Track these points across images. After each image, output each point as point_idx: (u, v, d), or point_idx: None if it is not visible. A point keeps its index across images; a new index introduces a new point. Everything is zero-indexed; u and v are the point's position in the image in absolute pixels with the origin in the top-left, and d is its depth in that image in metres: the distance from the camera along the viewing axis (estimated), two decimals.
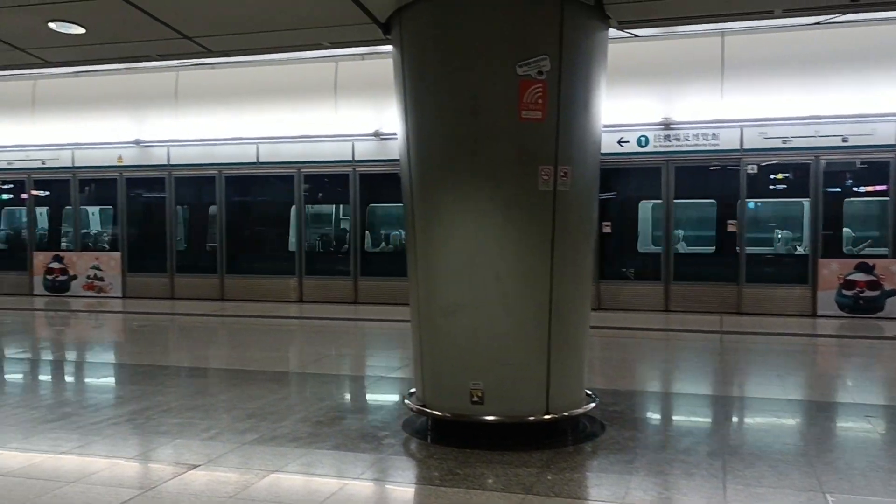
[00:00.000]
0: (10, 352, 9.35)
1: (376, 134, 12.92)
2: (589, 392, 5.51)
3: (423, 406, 5.24)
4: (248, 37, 5.75)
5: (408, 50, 5.05)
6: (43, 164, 14.92)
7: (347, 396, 6.68)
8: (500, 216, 4.83)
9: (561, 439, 5.10)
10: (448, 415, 5.08)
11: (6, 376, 7.79)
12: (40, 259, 15.04)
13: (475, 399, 4.92)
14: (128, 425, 5.52)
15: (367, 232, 13.64)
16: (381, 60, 11.96)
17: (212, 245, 14.19)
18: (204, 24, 5.54)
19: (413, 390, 5.58)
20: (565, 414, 5.09)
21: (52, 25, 5.57)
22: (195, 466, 4.55)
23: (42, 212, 15.45)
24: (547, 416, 5.00)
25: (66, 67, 7.13)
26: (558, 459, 4.67)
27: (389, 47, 5.38)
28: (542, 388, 4.96)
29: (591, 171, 5.15)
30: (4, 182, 15.47)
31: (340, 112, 13.00)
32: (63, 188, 14.99)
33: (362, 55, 12.49)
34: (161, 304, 13.48)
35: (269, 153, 13.62)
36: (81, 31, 5.67)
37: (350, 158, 13.25)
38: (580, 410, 5.24)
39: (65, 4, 5.20)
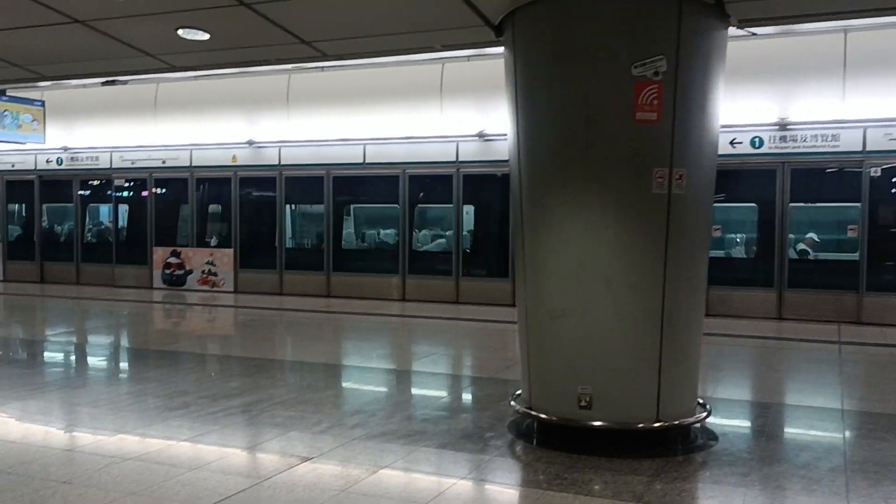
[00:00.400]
0: (130, 342, 9.88)
1: (480, 135, 12.97)
2: (701, 401, 5.36)
3: (530, 409, 5.22)
4: (363, 41, 5.88)
5: (520, 51, 5.04)
6: (163, 163, 15.68)
7: (452, 396, 6.73)
8: (612, 219, 4.77)
9: (671, 448, 4.98)
10: (554, 418, 5.05)
11: (129, 365, 8.23)
12: (159, 254, 15.81)
13: (583, 404, 4.87)
14: (242, 416, 5.73)
15: (468, 232, 13.71)
16: (487, 62, 12.00)
17: (319, 243, 14.58)
18: (321, 29, 5.69)
19: (519, 392, 5.57)
20: (676, 422, 4.97)
21: (180, 32, 5.85)
22: (307, 459, 4.68)
23: (161, 209, 16.22)
24: (657, 424, 4.90)
25: (189, 72, 7.43)
26: (669, 469, 4.57)
27: (495, 49, 5.40)
28: (653, 396, 4.86)
29: (706, 173, 5.01)
30: (127, 180, 16.34)
31: (446, 113, 13.11)
32: (181, 187, 15.71)
33: (468, 57, 12.54)
34: (270, 300, 13.93)
35: (375, 154, 13.87)
36: (206, 37, 5.93)
37: (454, 159, 13.34)
38: (692, 419, 5.11)
39: (193, 12, 5.45)
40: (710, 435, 5.27)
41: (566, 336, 4.93)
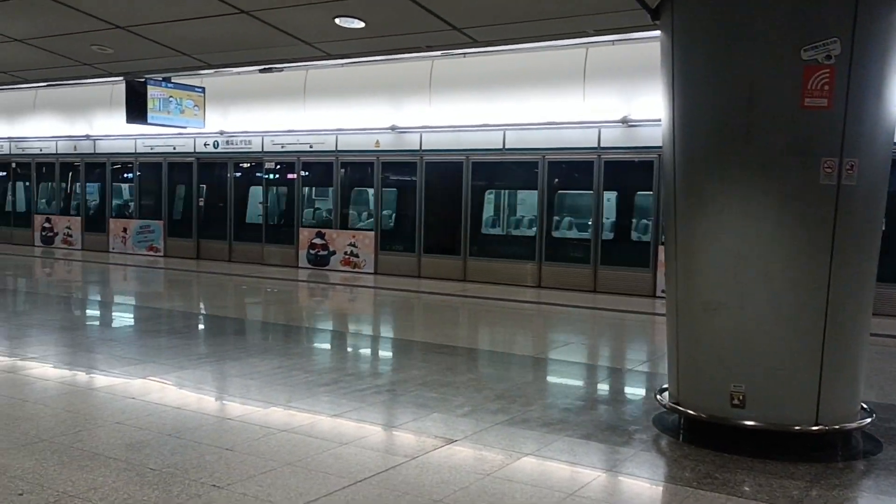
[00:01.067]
0: (279, 318, 10.35)
1: (624, 121, 12.68)
2: (864, 406, 5.04)
3: (677, 404, 5.08)
4: (514, 26, 5.86)
5: (679, 35, 4.87)
6: (311, 147, 16.29)
7: (594, 386, 6.65)
8: (774, 211, 4.54)
9: (829, 454, 4.72)
10: (704, 416, 4.89)
11: (278, 340, 8.63)
12: (305, 235, 16.47)
13: (735, 402, 4.69)
14: (389, 395, 5.90)
15: (608, 220, 13.46)
16: (632, 45, 11.69)
17: (456, 228, 14.74)
18: (474, 15, 5.72)
19: (665, 386, 5.43)
20: (836, 427, 4.71)
21: (337, 21, 6.04)
22: (453, 441, 4.76)
23: (308, 192, 16.88)
24: (815, 428, 4.65)
25: (342, 59, 7.66)
26: (828, 475, 4.33)
27: (640, 34, 5.23)
28: (812, 397, 4.61)
29: (881, 164, 4.68)
30: (277, 164, 17.09)
31: (588, 98, 12.89)
32: (327, 170, 16.28)
33: (612, 41, 12.25)
34: (408, 282, 14.23)
35: (514, 140, 13.84)
36: (362, 25, 6.09)
37: (595, 145, 13.11)
38: (854, 424, 4.82)
39: (351, 1, 5.61)
40: (874, 442, 4.95)
41: (719, 331, 4.76)
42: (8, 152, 21.56)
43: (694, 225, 4.86)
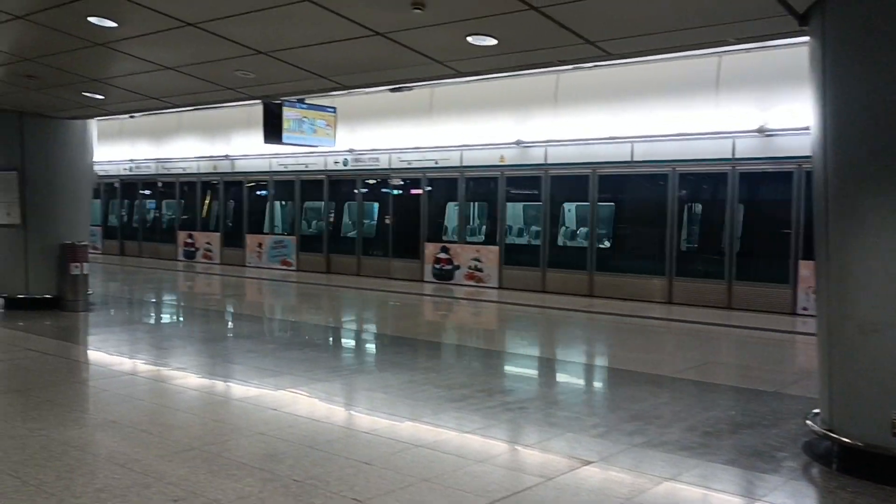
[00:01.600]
0: (408, 332, 10.49)
1: (761, 130, 12.14)
2: None
3: (830, 430, 4.77)
4: (649, 38, 5.73)
5: (832, 39, 4.61)
6: (436, 163, 16.51)
7: (734, 409, 6.36)
8: None
9: None
10: (860, 444, 4.57)
11: (409, 355, 8.73)
12: (430, 250, 16.69)
13: None
14: (519, 412, 5.85)
15: (743, 233, 12.90)
16: (769, 52, 11.21)
17: (583, 242, 14.55)
18: (608, 28, 5.63)
19: (816, 410, 5.12)
20: None
21: (469, 39, 6.08)
22: (588, 462, 4.65)
23: (433, 207, 17.07)
24: None
25: (471, 76, 7.73)
26: None
27: (779, 40, 4.97)
28: None
29: None
30: (403, 180, 17.42)
31: (721, 108, 12.45)
32: (451, 186, 16.46)
33: (748, 48, 11.79)
34: (533, 297, 14.13)
35: (643, 152, 13.53)
36: (494, 42, 6.11)
37: (729, 156, 12.63)
38: None
39: (484, 19, 5.64)
40: None
41: (879, 354, 4.44)
42: (154, 172, 23.02)
43: (849, 240, 4.57)
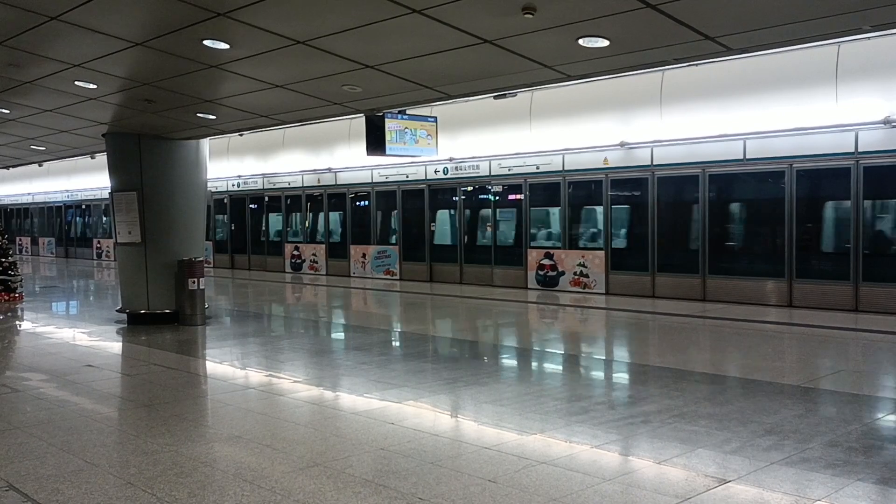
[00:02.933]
0: (519, 341, 10.34)
1: (886, 121, 11.42)
2: None
3: None
4: (774, 30, 5.41)
5: None
6: (537, 168, 16.32)
7: (878, 422, 5.93)
8: None
9: None
10: None
11: (524, 365, 8.59)
12: (533, 256, 16.49)
13: None
14: (643, 427, 5.61)
15: (869, 231, 12.14)
16: (893, 38, 10.53)
17: (693, 244, 14.04)
18: (729, 22, 5.35)
19: None
20: None
21: (580, 42, 5.91)
22: (726, 481, 4.40)
23: (535, 213, 16.88)
24: None
25: (582, 80, 7.54)
26: None
27: None
28: None
29: None
30: (504, 186, 17.29)
31: (842, 100, 11.77)
32: (554, 190, 16.22)
33: (868, 36, 11.11)
34: (642, 303, 13.74)
35: (756, 149, 12.95)
36: (606, 43, 5.92)
37: (851, 150, 11.92)
38: None
39: (596, 20, 5.46)
40: None
41: None
42: (261, 187, 23.71)
43: None
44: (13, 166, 19.29)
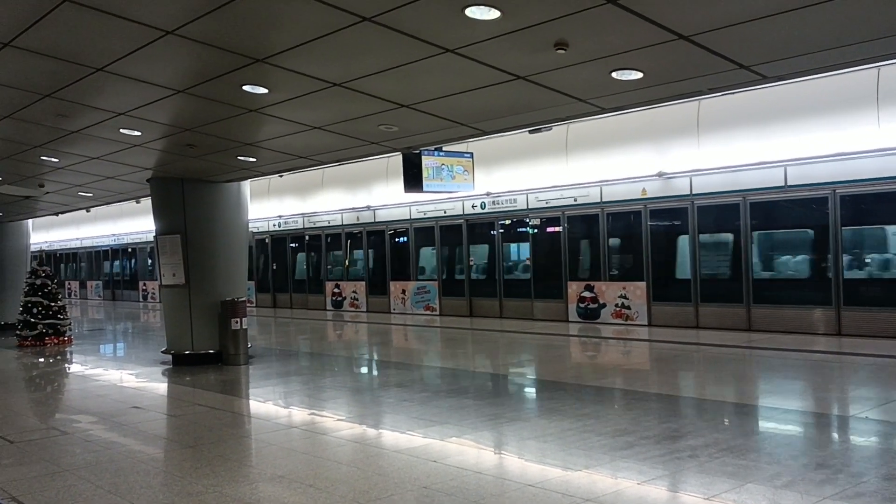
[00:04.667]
0: (560, 376, 10.24)
1: None
2: None
3: None
4: (812, 57, 5.37)
5: None
6: (574, 200, 16.29)
7: None
8: None
9: None
10: None
11: (564, 400, 8.49)
12: (573, 289, 16.38)
13: None
14: (690, 462, 5.50)
15: None
16: None
17: (736, 274, 13.83)
18: (765, 51, 5.33)
19: None
20: None
21: (614, 75, 5.93)
22: None
23: (574, 245, 16.81)
24: None
25: (617, 113, 7.55)
26: None
27: None
28: None
29: None
30: (541, 219, 17.27)
31: (884, 123, 11.58)
32: (592, 222, 16.15)
33: None
34: (685, 334, 13.53)
35: (797, 175, 12.78)
36: (640, 76, 5.93)
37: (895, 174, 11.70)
38: None
39: (629, 53, 5.48)
40: None
41: None
42: (302, 226, 24.01)
43: None
44: (62, 212, 19.80)
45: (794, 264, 13.64)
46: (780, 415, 7.26)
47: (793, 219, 13.52)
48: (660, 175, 14.60)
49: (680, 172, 14.33)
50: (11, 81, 6.83)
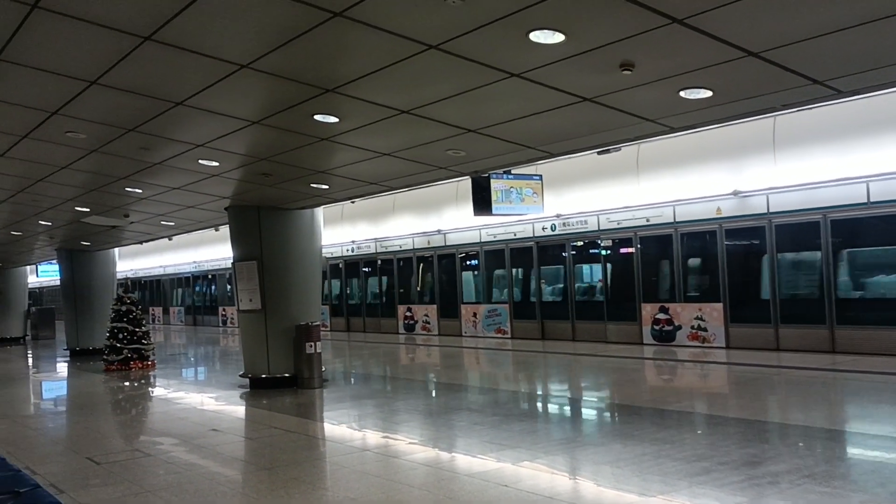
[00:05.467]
0: (635, 399, 10.06)
1: None
2: None
3: None
4: (888, 70, 5.21)
5: None
6: (647, 221, 16.05)
7: None
8: None
9: None
10: None
11: (639, 424, 8.34)
12: (647, 310, 16.10)
13: None
14: (772, 489, 5.32)
15: None
16: None
17: (818, 294, 13.36)
18: (839, 65, 5.19)
19: None
20: None
21: (682, 94, 5.87)
22: None
23: (647, 266, 16.54)
24: None
25: (688, 132, 7.46)
26: None
27: None
28: None
29: None
30: (613, 240, 17.07)
31: None
32: (665, 243, 15.88)
33: None
34: (765, 356, 13.13)
35: (881, 191, 12.31)
36: (709, 94, 5.85)
37: None
38: None
39: (697, 72, 5.42)
40: None
41: None
42: (374, 251, 24.33)
43: None
44: (146, 241, 20.58)
45: (881, 283, 13.09)
46: (867, 440, 6.97)
47: (877, 236, 13.00)
48: (735, 194, 14.28)
49: (756, 191, 13.98)
50: (99, 117, 7.18)
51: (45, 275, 35.84)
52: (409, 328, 22.98)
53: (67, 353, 20.83)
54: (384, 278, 24.47)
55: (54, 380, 16.40)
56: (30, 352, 24.01)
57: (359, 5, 4.49)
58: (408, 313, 23.09)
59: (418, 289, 22.89)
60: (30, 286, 33.21)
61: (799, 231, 13.70)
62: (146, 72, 5.80)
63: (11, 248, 21.82)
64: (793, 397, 9.80)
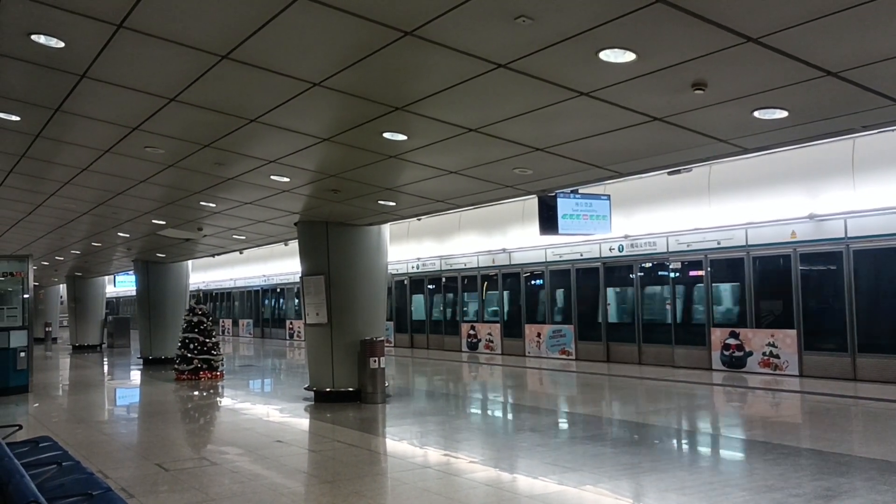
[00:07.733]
0: (703, 427, 9.80)
1: None
2: None
3: None
4: None
5: None
6: (718, 244, 15.70)
7: None
8: None
9: None
10: None
11: (705, 451, 8.13)
12: (717, 335, 15.71)
13: None
14: None
15: None
16: None
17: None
18: None
19: None
20: None
21: (756, 114, 5.74)
22: None
23: (717, 289, 16.18)
24: None
25: (762, 153, 7.28)
26: None
27: None
28: None
29: None
30: (683, 263, 16.75)
31: None
32: (736, 266, 15.50)
33: None
34: (841, 386, 12.64)
35: None
36: (784, 114, 5.71)
37: None
38: None
39: (772, 91, 5.29)
40: None
41: None
42: (439, 268, 24.41)
43: None
44: (218, 254, 21.11)
45: None
46: None
47: None
48: (811, 217, 13.86)
49: (833, 214, 13.54)
50: (176, 133, 7.42)
51: (121, 285, 37.00)
52: (473, 346, 22.93)
53: (140, 361, 21.47)
54: (448, 295, 24.52)
55: (127, 387, 16.91)
56: (105, 359, 24.83)
57: (429, 24, 4.54)
58: (471, 331, 23.06)
59: (482, 307, 22.84)
60: (107, 296, 34.38)
61: (879, 256, 13.20)
62: (222, 89, 5.97)
63: (91, 258, 22.68)
64: (870, 429, 9.40)
